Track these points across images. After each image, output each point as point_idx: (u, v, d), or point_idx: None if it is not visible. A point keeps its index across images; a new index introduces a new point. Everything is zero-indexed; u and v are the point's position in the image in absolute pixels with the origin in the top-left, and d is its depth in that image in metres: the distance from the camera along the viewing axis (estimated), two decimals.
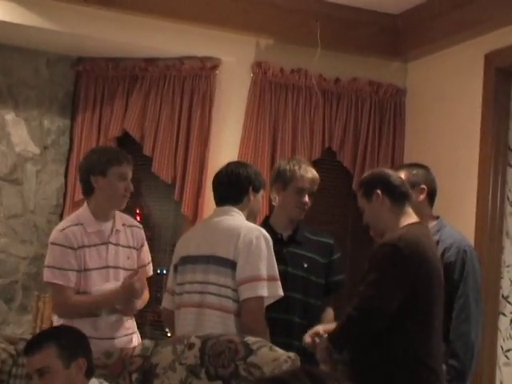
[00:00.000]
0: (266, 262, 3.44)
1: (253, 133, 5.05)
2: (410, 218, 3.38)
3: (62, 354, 2.92)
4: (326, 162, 5.22)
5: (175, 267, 3.68)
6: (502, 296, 4.58)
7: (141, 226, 3.95)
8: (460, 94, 4.89)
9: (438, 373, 3.28)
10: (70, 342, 2.98)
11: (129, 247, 3.81)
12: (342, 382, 1.40)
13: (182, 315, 3.56)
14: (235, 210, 3.60)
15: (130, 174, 3.74)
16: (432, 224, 3.74)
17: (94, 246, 3.73)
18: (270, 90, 5.13)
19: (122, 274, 3.72)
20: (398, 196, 3.38)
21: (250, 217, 3.66)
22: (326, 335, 3.39)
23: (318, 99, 5.20)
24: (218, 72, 5.10)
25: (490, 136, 4.60)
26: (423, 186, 3.76)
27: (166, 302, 3.75)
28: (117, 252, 3.76)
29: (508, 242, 4.61)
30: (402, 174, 3.76)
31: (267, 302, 3.46)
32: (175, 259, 3.70)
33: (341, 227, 5.26)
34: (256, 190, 3.66)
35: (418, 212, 3.70)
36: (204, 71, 5.11)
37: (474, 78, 4.73)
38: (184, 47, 5.07)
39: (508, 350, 4.58)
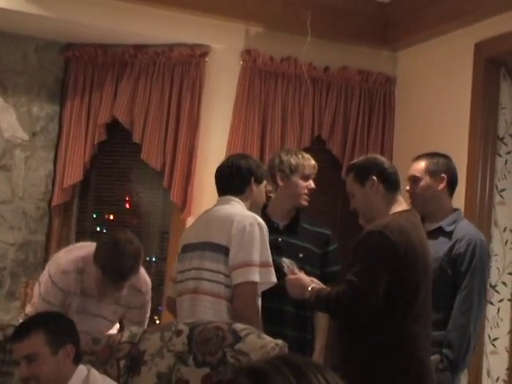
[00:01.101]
0: (258, 248, 3.46)
1: (242, 120, 5.05)
2: (401, 205, 3.38)
3: (49, 340, 2.92)
4: (315, 150, 5.20)
5: (178, 256, 3.74)
6: (490, 285, 4.58)
7: (144, 290, 3.82)
8: (450, 82, 4.89)
9: (423, 361, 3.25)
10: (57, 329, 2.98)
11: (117, 304, 3.77)
12: (321, 370, 1.38)
13: (183, 302, 3.60)
14: (236, 199, 3.63)
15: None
16: (449, 215, 3.72)
17: (84, 296, 3.71)
18: (259, 77, 5.11)
19: (103, 322, 3.75)
20: (392, 183, 3.37)
21: (254, 208, 3.68)
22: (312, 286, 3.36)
23: (308, 88, 5.20)
24: (207, 59, 5.09)
25: (479, 125, 4.61)
26: (443, 175, 3.72)
27: (170, 291, 3.80)
28: (100, 305, 3.74)
29: (496, 231, 4.63)
30: (423, 163, 3.74)
31: (261, 289, 3.47)
32: (179, 249, 3.76)
33: (330, 215, 5.27)
34: (258, 181, 3.69)
35: (436, 201, 3.69)
36: (194, 58, 5.09)
37: (463, 67, 4.73)
38: (174, 34, 5.05)
39: (495, 339, 4.60)
